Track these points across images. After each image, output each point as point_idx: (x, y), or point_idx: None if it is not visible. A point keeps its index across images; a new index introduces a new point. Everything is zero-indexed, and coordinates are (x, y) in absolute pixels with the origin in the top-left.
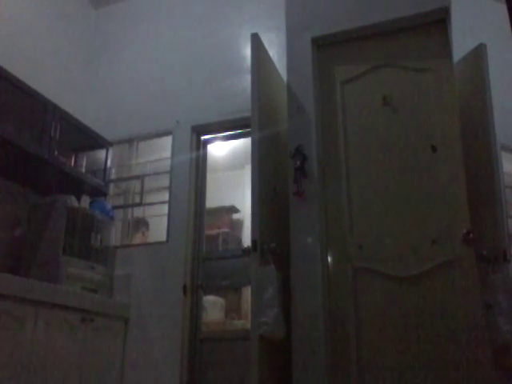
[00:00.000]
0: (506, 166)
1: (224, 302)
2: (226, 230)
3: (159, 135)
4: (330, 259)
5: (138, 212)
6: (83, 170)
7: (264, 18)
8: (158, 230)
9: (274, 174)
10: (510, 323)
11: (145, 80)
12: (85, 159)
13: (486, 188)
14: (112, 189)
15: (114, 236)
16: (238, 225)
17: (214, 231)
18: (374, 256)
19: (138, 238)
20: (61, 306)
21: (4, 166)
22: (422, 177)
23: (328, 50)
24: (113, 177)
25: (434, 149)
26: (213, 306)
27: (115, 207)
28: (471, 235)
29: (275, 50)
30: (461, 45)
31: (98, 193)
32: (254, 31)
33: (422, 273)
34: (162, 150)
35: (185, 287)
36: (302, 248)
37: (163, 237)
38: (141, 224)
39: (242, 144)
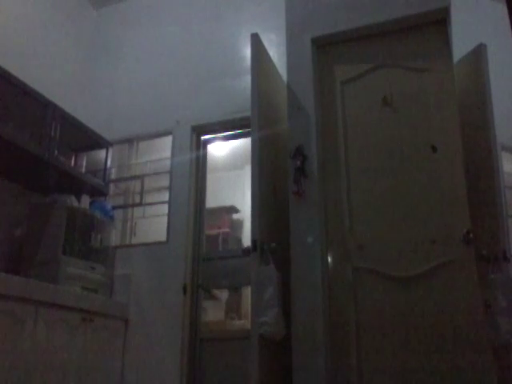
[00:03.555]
0: (506, 166)
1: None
2: (226, 229)
3: (159, 135)
4: (330, 259)
5: (138, 212)
6: (83, 170)
7: (264, 18)
8: (158, 229)
9: (274, 174)
10: (509, 323)
11: (145, 80)
12: (85, 159)
13: (486, 188)
14: (112, 189)
15: (114, 236)
16: (237, 225)
17: (214, 231)
18: (374, 256)
19: None
20: (61, 306)
21: (4, 165)
22: (422, 177)
23: (328, 50)
24: (113, 177)
25: (433, 149)
26: (213, 306)
27: (115, 207)
28: (471, 235)
29: (275, 50)
30: (461, 45)
31: (98, 193)
32: (253, 31)
33: (422, 273)
34: (162, 150)
35: (185, 287)
36: (301, 248)
37: (163, 237)
38: None
39: (242, 144)
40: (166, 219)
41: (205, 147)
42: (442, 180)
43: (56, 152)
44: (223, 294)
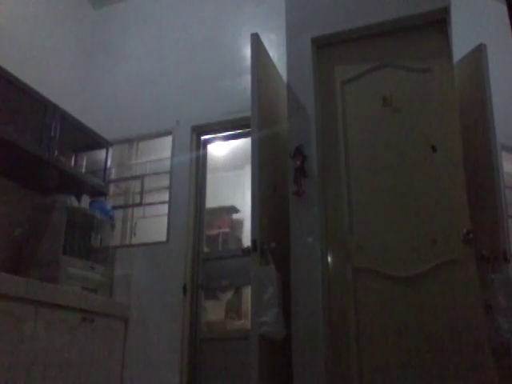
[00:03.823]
0: (506, 166)
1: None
2: (226, 229)
3: (159, 135)
4: (330, 259)
5: (138, 212)
6: (83, 170)
7: (264, 18)
8: (158, 229)
9: (274, 174)
10: (509, 323)
11: (145, 80)
12: (85, 159)
13: (486, 188)
14: (112, 189)
15: (114, 236)
16: (237, 225)
17: (214, 231)
18: (374, 256)
19: None
20: (61, 306)
21: (4, 166)
22: (422, 177)
23: (328, 49)
24: (113, 177)
25: (434, 149)
26: (213, 306)
27: (115, 207)
28: (471, 235)
29: (275, 50)
30: (461, 45)
31: (98, 193)
32: (253, 31)
33: (423, 273)
34: (162, 150)
35: (185, 287)
36: (302, 248)
37: (163, 237)
38: None
39: (242, 144)
40: (166, 219)
41: (205, 147)
42: (442, 180)
43: (56, 152)
44: (224, 294)
